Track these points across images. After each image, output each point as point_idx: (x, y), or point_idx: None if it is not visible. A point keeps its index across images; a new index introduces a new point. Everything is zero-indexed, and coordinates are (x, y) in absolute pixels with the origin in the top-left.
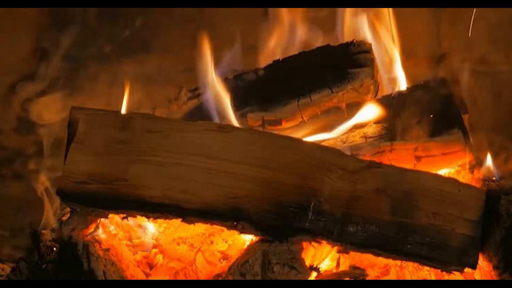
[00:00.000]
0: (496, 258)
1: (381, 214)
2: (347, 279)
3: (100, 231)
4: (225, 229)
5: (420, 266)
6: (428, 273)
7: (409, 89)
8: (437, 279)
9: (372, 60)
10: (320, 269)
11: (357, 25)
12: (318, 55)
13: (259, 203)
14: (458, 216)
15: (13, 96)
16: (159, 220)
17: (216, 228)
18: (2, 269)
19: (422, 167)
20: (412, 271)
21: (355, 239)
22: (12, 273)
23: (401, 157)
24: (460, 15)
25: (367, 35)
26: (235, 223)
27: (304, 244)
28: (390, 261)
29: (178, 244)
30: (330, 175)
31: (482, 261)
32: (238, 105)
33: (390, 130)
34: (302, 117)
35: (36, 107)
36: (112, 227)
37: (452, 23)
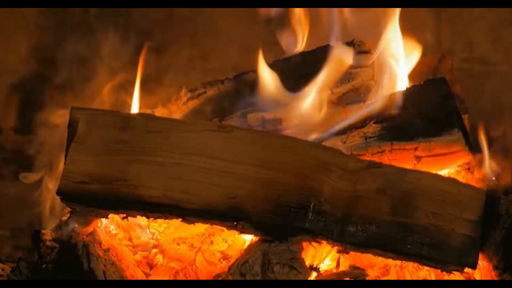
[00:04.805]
0: (496, 258)
1: (381, 214)
2: (347, 279)
3: (100, 231)
4: (225, 229)
5: (420, 266)
6: (428, 273)
7: (409, 89)
8: (437, 279)
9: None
10: (320, 269)
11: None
12: (318, 55)
13: (259, 203)
14: (458, 216)
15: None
16: (159, 220)
17: (216, 228)
18: (2, 269)
19: (422, 167)
20: (412, 271)
21: (355, 239)
22: (12, 273)
23: (401, 157)
24: (460, 15)
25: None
26: (235, 223)
27: (304, 244)
28: (390, 261)
29: (178, 244)
30: (330, 175)
31: (482, 261)
32: (239, 104)
33: (390, 130)
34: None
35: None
36: (112, 227)
37: (452, 23)
